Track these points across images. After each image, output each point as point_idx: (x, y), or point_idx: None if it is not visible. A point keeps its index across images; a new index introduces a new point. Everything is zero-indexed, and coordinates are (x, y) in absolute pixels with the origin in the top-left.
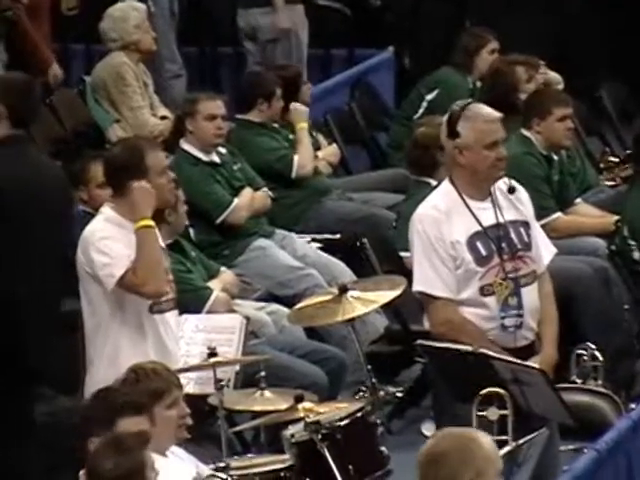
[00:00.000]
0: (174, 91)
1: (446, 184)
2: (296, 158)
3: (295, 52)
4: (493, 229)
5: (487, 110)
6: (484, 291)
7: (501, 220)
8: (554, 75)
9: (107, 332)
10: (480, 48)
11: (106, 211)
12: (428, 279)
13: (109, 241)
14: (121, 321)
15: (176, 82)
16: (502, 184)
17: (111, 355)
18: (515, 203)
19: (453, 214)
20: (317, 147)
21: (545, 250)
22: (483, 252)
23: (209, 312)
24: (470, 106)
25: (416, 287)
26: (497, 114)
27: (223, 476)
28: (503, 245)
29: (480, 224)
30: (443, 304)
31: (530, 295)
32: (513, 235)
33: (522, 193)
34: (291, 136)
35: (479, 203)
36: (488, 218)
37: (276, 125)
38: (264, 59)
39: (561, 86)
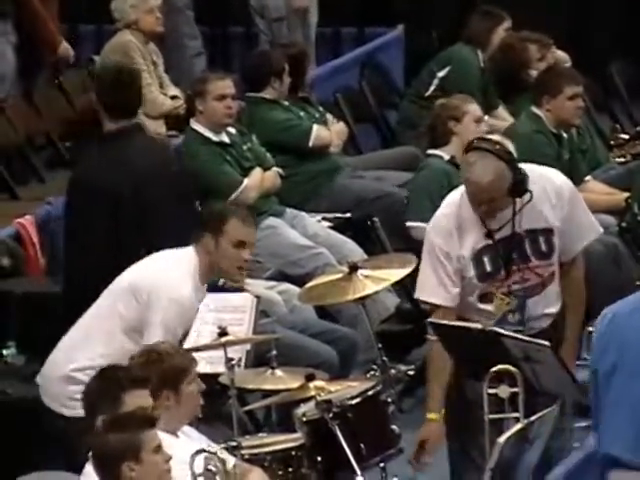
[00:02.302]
0: (196, 69)
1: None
2: (315, 127)
3: (303, 31)
4: (506, 240)
5: (476, 178)
6: (483, 299)
7: (517, 230)
8: (562, 54)
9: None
10: (496, 25)
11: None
12: (430, 288)
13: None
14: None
15: (198, 60)
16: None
17: (108, 339)
18: (539, 210)
19: (466, 224)
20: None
21: (584, 233)
22: (488, 268)
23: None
24: (473, 157)
25: (418, 295)
26: (485, 187)
27: (218, 452)
28: (514, 255)
29: (491, 236)
30: (444, 312)
31: (538, 305)
32: (527, 245)
33: (560, 197)
34: (302, 113)
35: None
36: (504, 228)
37: (287, 102)
38: (272, 37)
39: (569, 64)
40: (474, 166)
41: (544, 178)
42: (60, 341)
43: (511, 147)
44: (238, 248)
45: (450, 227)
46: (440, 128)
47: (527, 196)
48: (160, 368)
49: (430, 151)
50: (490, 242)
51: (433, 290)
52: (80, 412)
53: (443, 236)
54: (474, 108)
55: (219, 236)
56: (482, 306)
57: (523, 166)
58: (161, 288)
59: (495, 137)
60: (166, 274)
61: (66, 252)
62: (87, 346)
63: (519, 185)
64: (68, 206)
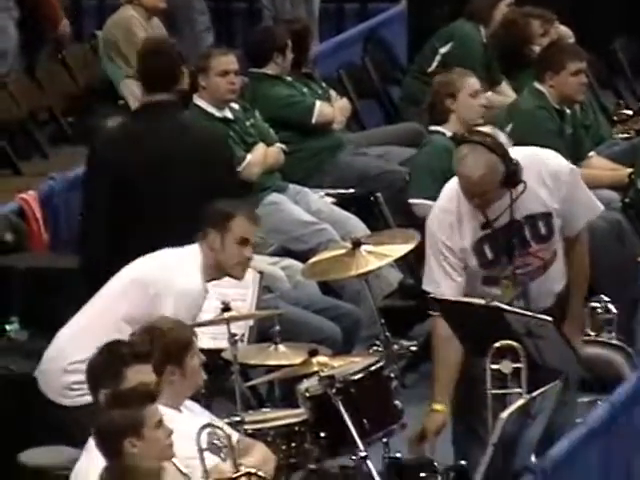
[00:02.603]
0: (205, 44)
1: None
2: (318, 104)
3: (306, 6)
4: (505, 228)
5: (468, 172)
6: (487, 282)
7: (516, 217)
8: (565, 29)
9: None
10: (499, 1)
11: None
12: (435, 280)
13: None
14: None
15: (207, 35)
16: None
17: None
18: (535, 195)
19: (464, 215)
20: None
21: (585, 212)
22: (489, 256)
23: None
24: (464, 149)
25: (425, 287)
26: (476, 181)
27: (219, 424)
28: (514, 241)
29: (491, 225)
30: None
31: (542, 285)
32: (527, 231)
33: (556, 180)
34: (305, 89)
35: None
36: (502, 216)
37: (290, 78)
38: (275, 13)
39: (572, 40)
40: (465, 159)
41: (538, 162)
42: (54, 339)
43: (503, 138)
44: (242, 245)
45: (450, 220)
46: (438, 106)
47: (521, 186)
48: (163, 343)
49: (432, 127)
50: (489, 231)
51: (439, 282)
52: (78, 401)
53: (444, 229)
54: (471, 82)
55: (224, 233)
56: (487, 289)
57: (517, 150)
58: (171, 282)
59: (486, 129)
60: (176, 269)
61: (82, 224)
62: (88, 340)
63: (512, 177)
64: (85, 177)
